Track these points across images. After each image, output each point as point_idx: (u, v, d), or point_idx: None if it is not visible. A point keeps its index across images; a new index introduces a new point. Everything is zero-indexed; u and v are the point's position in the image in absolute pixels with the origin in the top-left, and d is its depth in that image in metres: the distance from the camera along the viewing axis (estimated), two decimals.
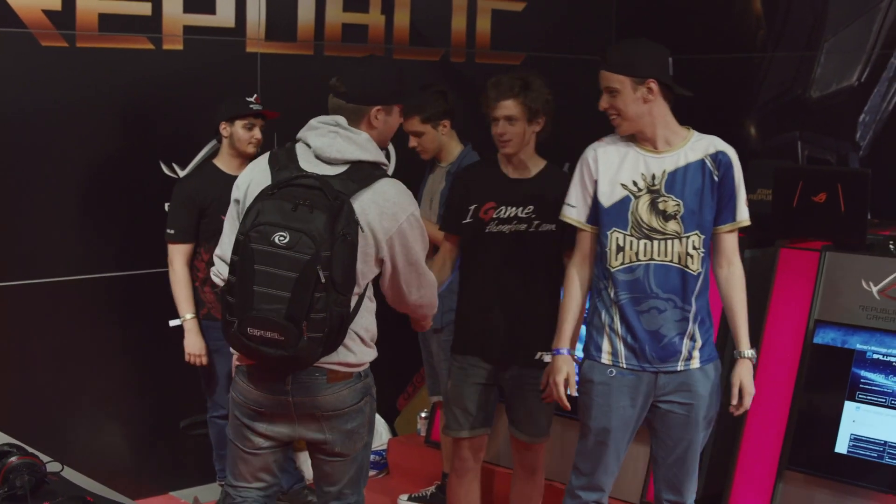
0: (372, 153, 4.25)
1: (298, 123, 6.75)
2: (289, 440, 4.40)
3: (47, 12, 5.92)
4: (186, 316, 5.87)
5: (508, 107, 5.11)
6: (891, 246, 5.69)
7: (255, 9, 6.63)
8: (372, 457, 6.94)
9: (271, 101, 6.10)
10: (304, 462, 6.87)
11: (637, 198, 4.65)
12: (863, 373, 5.47)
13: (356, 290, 4.18)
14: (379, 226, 4.16)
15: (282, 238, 3.96)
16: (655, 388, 4.71)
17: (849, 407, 5.47)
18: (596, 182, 4.72)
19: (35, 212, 6.03)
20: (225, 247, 4.31)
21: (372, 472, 7.01)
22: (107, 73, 6.16)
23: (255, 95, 6.02)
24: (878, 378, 5.42)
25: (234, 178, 5.67)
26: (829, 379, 5.55)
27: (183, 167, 6.35)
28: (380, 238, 4.18)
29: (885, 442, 5.34)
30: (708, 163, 4.65)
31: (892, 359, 5.39)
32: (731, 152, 4.70)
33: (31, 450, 5.81)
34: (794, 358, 5.61)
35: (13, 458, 5.54)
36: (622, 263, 4.66)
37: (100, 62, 6.12)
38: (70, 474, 6.10)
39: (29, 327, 6.07)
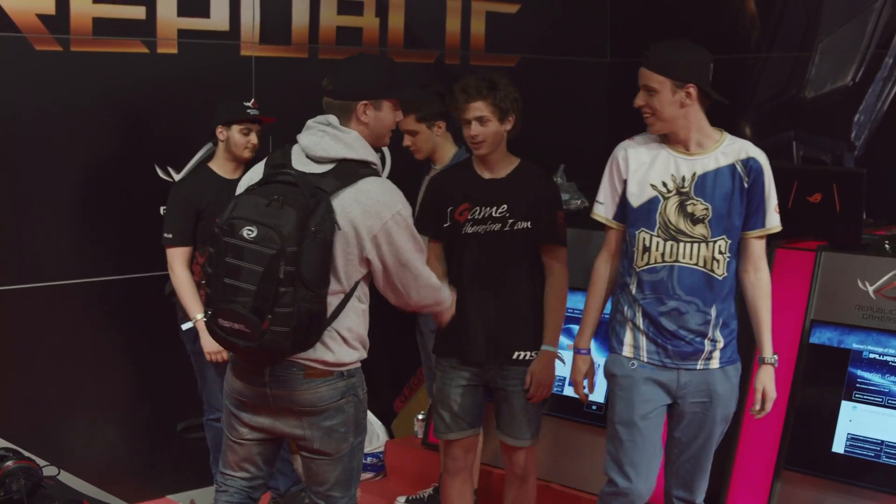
0: (359, 152, 4.28)
1: (293, 127, 6.74)
2: (272, 433, 4.43)
3: (41, 16, 5.92)
4: (197, 316, 5.81)
5: (479, 108, 5.11)
6: (886, 246, 5.69)
7: (249, 12, 6.63)
8: (369, 459, 6.96)
9: (266, 104, 6.10)
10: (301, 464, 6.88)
11: (666, 199, 4.65)
12: (859, 372, 5.46)
13: (338, 288, 4.22)
14: (362, 224, 4.18)
15: (249, 232, 4.04)
16: (677, 385, 4.72)
17: (846, 406, 5.47)
18: (625, 181, 4.73)
19: (30, 216, 6.02)
20: None
21: (369, 475, 7.01)
22: (101, 77, 6.16)
23: (252, 100, 6.02)
24: (874, 377, 5.42)
25: (230, 181, 5.70)
26: (825, 379, 5.55)
27: (178, 171, 6.35)
28: (363, 236, 4.19)
29: (883, 441, 5.34)
30: (739, 168, 4.64)
31: (889, 358, 5.39)
32: (763, 158, 4.69)
33: (27, 454, 5.82)
34: (791, 358, 5.61)
35: (9, 463, 5.56)
36: (647, 264, 4.68)
37: (94, 66, 6.12)
38: (66, 478, 6.10)
39: (24, 331, 6.07)
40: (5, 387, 6.03)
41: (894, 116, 7.06)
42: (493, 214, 5.20)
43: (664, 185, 4.65)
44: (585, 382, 4.99)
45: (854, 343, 5.51)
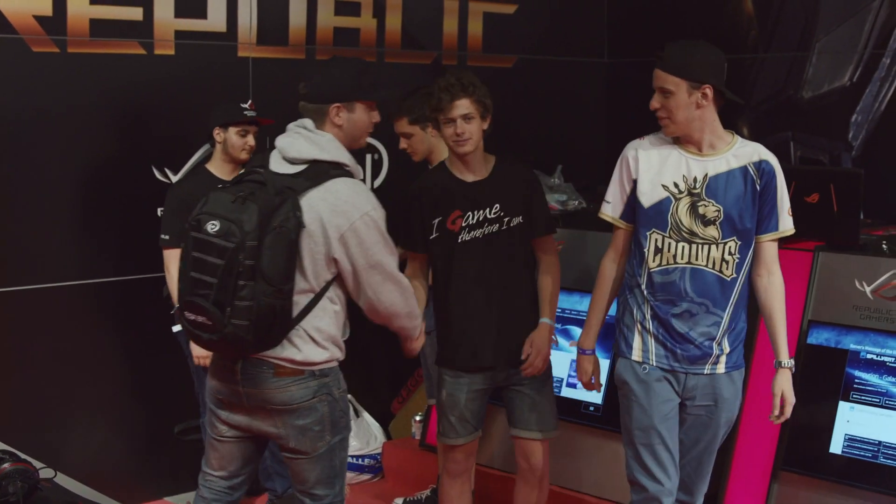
0: (332, 153, 4.36)
1: None
2: (249, 431, 4.50)
3: (38, 18, 5.92)
4: None
5: (464, 105, 5.10)
6: (884, 246, 5.69)
7: (246, 13, 6.63)
8: (366, 460, 6.96)
9: (263, 105, 6.10)
10: None
11: (677, 200, 4.63)
12: (857, 373, 5.46)
13: (306, 287, 4.29)
14: (329, 223, 4.25)
15: (213, 226, 4.16)
16: (684, 389, 4.71)
17: (843, 407, 5.46)
18: (635, 181, 4.70)
19: (27, 217, 6.02)
20: None
21: (367, 476, 7.02)
22: (98, 79, 6.16)
23: (249, 101, 6.02)
24: (872, 378, 5.42)
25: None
26: (823, 379, 5.54)
27: (175, 172, 6.35)
28: (331, 235, 4.25)
29: (880, 442, 5.34)
30: (751, 170, 4.62)
31: (886, 359, 5.39)
32: (775, 161, 4.68)
33: (23, 456, 5.82)
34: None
35: (6, 465, 5.56)
36: (659, 265, 4.66)
37: (91, 67, 6.12)
38: (63, 480, 6.11)
39: (21, 332, 6.06)
40: (2, 388, 6.03)
41: (892, 116, 7.06)
42: (488, 216, 5.19)
43: (676, 185, 4.63)
44: (593, 380, 5.00)
45: (851, 343, 5.51)
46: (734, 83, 7.60)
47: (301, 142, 4.36)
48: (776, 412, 4.70)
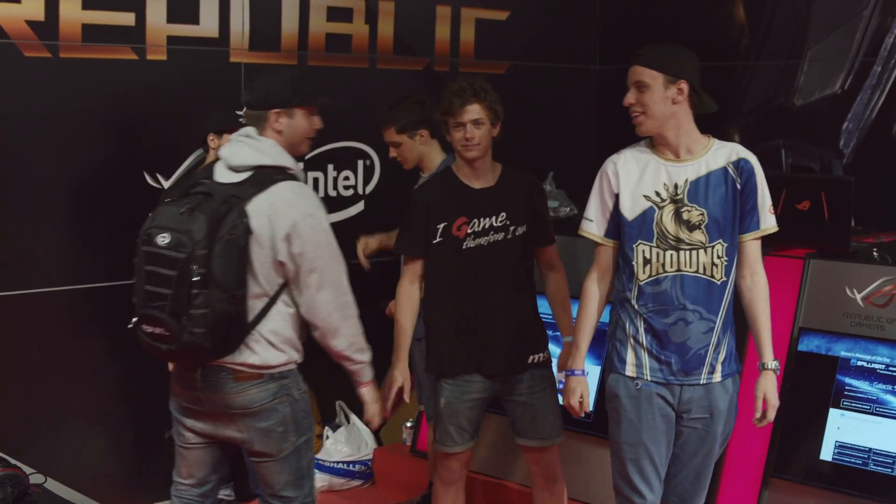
0: (274, 158, 4.46)
1: None
2: (214, 437, 4.58)
3: (30, 23, 5.91)
4: None
5: (475, 110, 5.11)
6: (874, 253, 5.70)
7: (238, 19, 6.63)
8: (357, 466, 6.96)
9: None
10: None
11: (661, 208, 4.60)
12: (847, 380, 5.47)
13: (259, 291, 4.39)
14: (274, 226, 4.35)
15: (163, 239, 4.26)
16: (679, 402, 4.66)
17: (833, 414, 5.47)
18: (617, 196, 4.66)
19: (19, 222, 6.01)
20: None
21: (357, 482, 7.02)
22: (90, 84, 6.16)
23: (244, 109, 6.02)
24: (862, 385, 5.43)
25: None
26: (813, 386, 5.55)
27: (167, 177, 6.35)
28: (276, 237, 4.35)
29: (870, 449, 5.34)
30: (730, 170, 4.61)
31: (877, 366, 5.40)
32: (754, 159, 4.66)
33: (13, 461, 5.81)
34: (779, 365, 5.60)
35: None
36: (649, 276, 4.62)
37: (83, 72, 6.12)
38: (54, 486, 6.09)
39: (12, 338, 6.06)
40: None
41: (882, 124, 7.07)
42: (494, 224, 5.18)
43: (657, 194, 4.60)
44: (580, 404, 4.86)
45: (842, 351, 5.52)
46: (726, 90, 7.67)
47: (244, 150, 4.46)
48: (758, 415, 4.66)
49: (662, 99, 4.56)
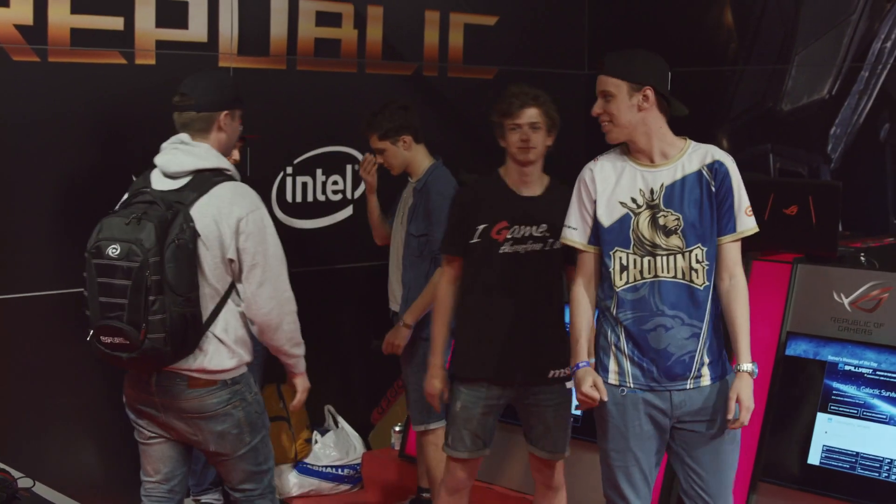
0: (212, 161, 4.58)
1: (272, 137, 6.78)
2: (171, 436, 4.71)
3: (19, 27, 5.91)
4: None
5: (534, 114, 5.11)
6: (862, 258, 5.72)
7: (227, 23, 6.63)
8: (346, 470, 6.97)
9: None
10: (279, 477, 6.87)
11: (637, 215, 4.56)
12: (835, 384, 5.48)
13: (211, 292, 4.50)
14: (220, 225, 4.47)
15: (114, 250, 4.37)
16: (671, 406, 4.59)
17: (821, 418, 5.48)
18: (595, 202, 4.63)
19: (7, 226, 6.00)
20: None
21: (346, 486, 7.02)
22: (79, 88, 6.15)
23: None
24: (849, 389, 5.44)
25: None
26: (801, 390, 5.57)
27: None
28: (223, 236, 4.47)
29: (858, 453, 5.36)
30: (705, 173, 4.56)
31: (864, 370, 5.41)
32: (729, 160, 4.61)
33: (1, 465, 5.79)
34: (767, 370, 5.62)
35: None
36: (627, 283, 4.57)
37: (72, 77, 6.11)
38: (42, 490, 6.08)
39: (1, 342, 6.04)
40: None
41: (870, 129, 7.09)
42: (534, 234, 5.14)
43: (633, 200, 4.57)
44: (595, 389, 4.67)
45: (830, 355, 5.53)
46: (714, 95, 7.69)
47: (181, 156, 4.57)
48: (730, 415, 4.52)
49: (628, 107, 4.54)
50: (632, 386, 4.60)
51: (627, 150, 4.66)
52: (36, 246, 6.13)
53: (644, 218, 4.56)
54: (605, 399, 4.65)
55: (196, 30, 6.54)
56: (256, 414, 4.71)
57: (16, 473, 5.84)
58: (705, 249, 4.55)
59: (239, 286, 4.56)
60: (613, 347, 4.63)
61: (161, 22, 6.38)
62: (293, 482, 6.94)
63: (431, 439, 6.06)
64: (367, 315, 7.12)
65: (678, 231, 4.53)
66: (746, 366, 4.56)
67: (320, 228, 7.22)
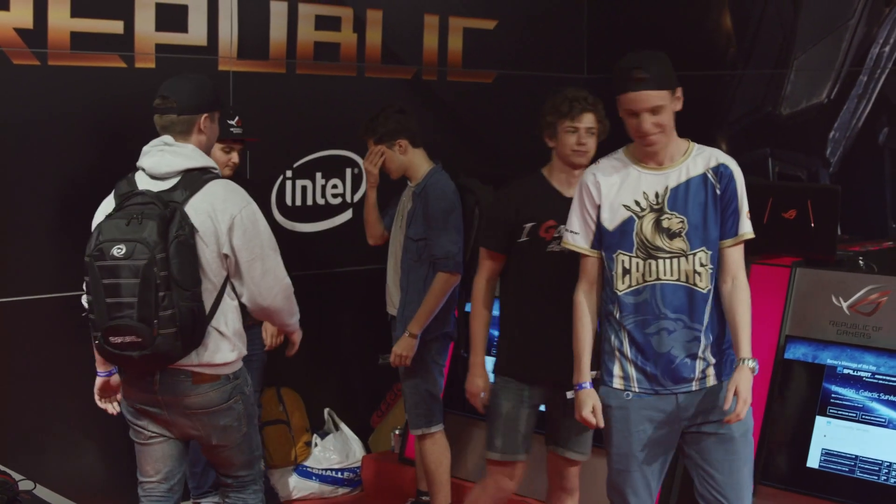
0: (199, 161, 4.65)
1: (271, 141, 6.78)
2: (171, 434, 4.77)
3: (19, 30, 5.91)
4: None
5: (591, 119, 5.13)
6: (860, 262, 5.73)
7: (227, 27, 6.64)
8: (346, 474, 6.97)
9: (244, 119, 6.11)
10: (279, 480, 6.87)
11: (641, 218, 4.54)
12: (833, 388, 5.49)
13: (210, 286, 4.57)
14: (215, 222, 4.54)
15: (119, 250, 4.41)
16: (678, 408, 4.58)
17: (820, 422, 5.49)
18: (599, 207, 4.61)
19: (7, 230, 6.01)
20: None
21: (346, 489, 7.03)
22: (79, 92, 6.16)
23: (236, 118, 6.02)
24: (848, 393, 5.45)
25: None
26: (800, 394, 5.57)
27: None
28: (219, 232, 4.54)
29: (857, 456, 5.36)
30: (710, 176, 4.55)
31: (863, 374, 5.42)
32: (733, 164, 4.60)
33: (2, 468, 5.80)
34: (766, 373, 5.62)
35: None
36: (629, 286, 4.56)
37: (72, 80, 6.12)
38: (43, 493, 6.09)
39: (1, 345, 6.05)
40: None
41: (868, 133, 7.10)
42: None
43: (637, 203, 4.56)
44: (593, 416, 4.72)
45: (828, 359, 5.54)
46: (713, 99, 7.69)
47: (168, 157, 4.61)
48: (727, 406, 4.47)
49: (671, 113, 4.52)
50: (637, 390, 4.59)
51: (629, 152, 4.65)
52: (36, 249, 6.13)
53: (648, 221, 4.54)
54: (602, 426, 4.70)
55: (196, 33, 6.55)
56: (251, 405, 4.84)
57: (16, 476, 5.85)
58: (710, 253, 4.54)
59: (234, 281, 4.63)
60: (617, 352, 4.63)
61: (161, 26, 6.39)
62: (293, 485, 6.94)
63: (430, 443, 6.07)
64: (366, 318, 7.11)
65: (682, 234, 4.52)
66: (749, 360, 4.51)
67: (320, 232, 7.22)
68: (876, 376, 5.40)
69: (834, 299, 5.58)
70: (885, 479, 5.28)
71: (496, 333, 6.47)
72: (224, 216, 4.53)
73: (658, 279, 4.54)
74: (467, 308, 6.17)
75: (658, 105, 4.48)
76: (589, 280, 4.73)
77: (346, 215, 7.30)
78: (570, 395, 4.82)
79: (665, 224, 4.53)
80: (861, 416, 5.40)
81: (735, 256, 4.61)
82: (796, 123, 7.42)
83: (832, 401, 5.48)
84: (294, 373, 7.01)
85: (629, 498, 4.68)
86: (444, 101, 7.67)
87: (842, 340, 5.52)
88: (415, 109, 6.20)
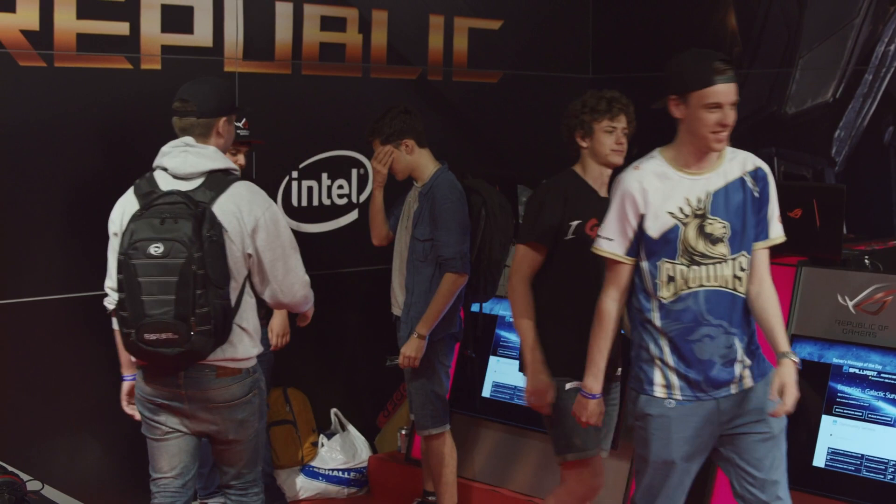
0: (221, 162, 4.70)
1: (277, 142, 6.79)
2: (187, 430, 4.80)
3: (25, 32, 5.93)
4: None
5: (626, 120, 5.17)
6: (866, 261, 5.73)
7: (232, 28, 6.65)
8: (352, 474, 6.98)
9: (249, 120, 6.11)
10: (286, 481, 6.88)
11: (685, 224, 4.46)
12: (839, 387, 5.49)
13: (234, 285, 4.64)
14: (244, 221, 4.60)
15: (157, 248, 4.46)
16: (718, 413, 4.53)
17: (826, 421, 5.49)
18: (643, 216, 4.50)
19: (13, 231, 6.02)
20: (112, 277, 4.74)
21: (352, 490, 7.03)
22: (85, 93, 6.17)
23: (244, 121, 6.03)
24: (854, 392, 5.45)
25: None
26: (806, 393, 5.55)
27: None
28: (244, 233, 4.61)
29: (863, 455, 5.37)
30: (747, 180, 4.52)
31: (869, 373, 5.43)
32: (767, 168, 4.59)
33: (10, 468, 5.81)
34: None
35: None
36: (674, 294, 4.48)
37: (78, 82, 6.13)
38: (50, 493, 6.10)
39: (8, 346, 6.07)
40: None
41: (874, 132, 7.10)
42: None
43: (681, 210, 4.47)
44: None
45: (834, 358, 5.54)
46: None
47: (192, 158, 4.66)
48: (774, 398, 4.43)
49: None
50: (680, 398, 4.54)
51: (667, 155, 4.56)
52: (43, 250, 6.14)
53: (692, 227, 4.47)
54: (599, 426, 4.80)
55: (201, 35, 6.56)
56: (264, 401, 4.96)
57: (25, 476, 5.86)
58: (749, 257, 4.51)
59: (256, 279, 4.69)
60: (658, 360, 4.55)
61: (166, 27, 6.40)
62: (299, 485, 6.95)
63: (436, 443, 6.07)
64: (372, 319, 7.12)
65: (724, 239, 4.47)
66: (791, 354, 4.47)
67: (326, 232, 7.23)
68: (882, 375, 5.40)
69: (840, 298, 5.58)
70: (891, 478, 5.28)
71: (500, 333, 6.50)
72: (249, 217, 4.60)
73: (701, 286, 4.48)
74: (473, 308, 6.20)
75: (736, 99, 4.49)
76: (619, 287, 4.62)
77: (352, 216, 7.30)
78: (569, 385, 4.97)
79: (708, 229, 4.47)
80: (867, 414, 5.40)
81: (763, 259, 4.59)
82: (801, 122, 7.42)
83: (838, 400, 5.48)
84: (300, 373, 7.02)
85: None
86: (450, 102, 7.68)
87: (847, 339, 5.52)
88: (420, 110, 6.20)
